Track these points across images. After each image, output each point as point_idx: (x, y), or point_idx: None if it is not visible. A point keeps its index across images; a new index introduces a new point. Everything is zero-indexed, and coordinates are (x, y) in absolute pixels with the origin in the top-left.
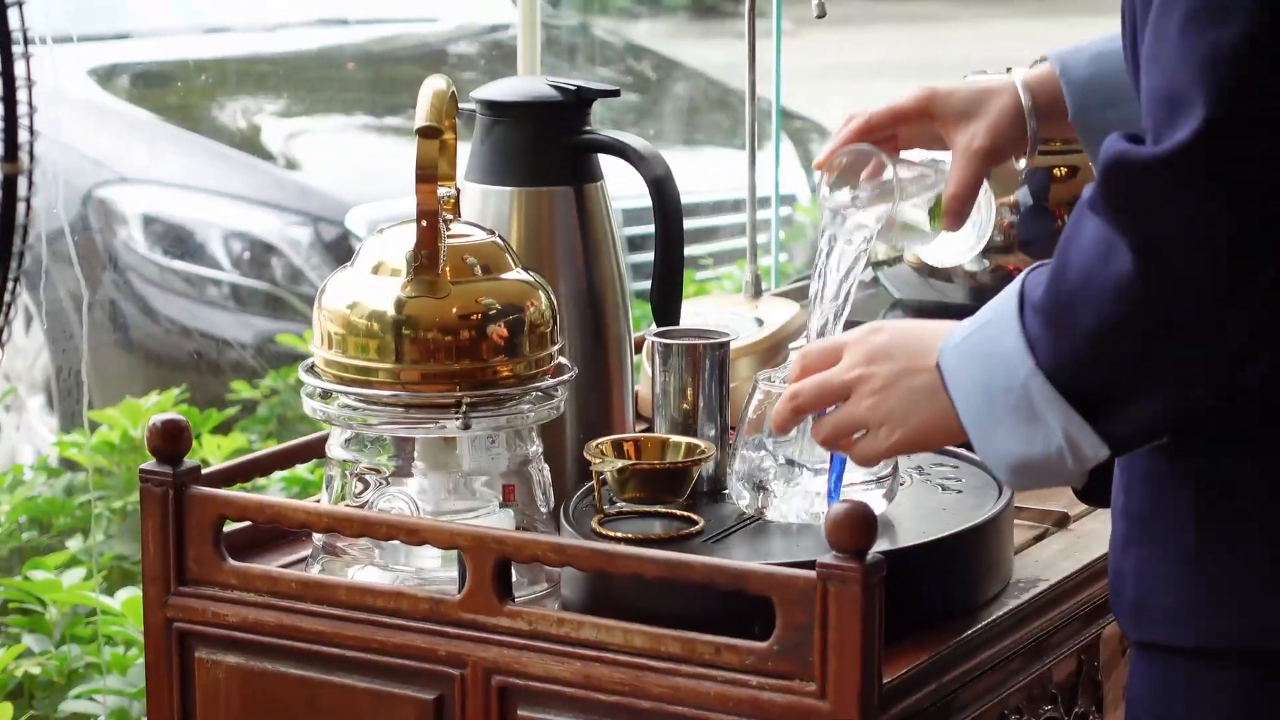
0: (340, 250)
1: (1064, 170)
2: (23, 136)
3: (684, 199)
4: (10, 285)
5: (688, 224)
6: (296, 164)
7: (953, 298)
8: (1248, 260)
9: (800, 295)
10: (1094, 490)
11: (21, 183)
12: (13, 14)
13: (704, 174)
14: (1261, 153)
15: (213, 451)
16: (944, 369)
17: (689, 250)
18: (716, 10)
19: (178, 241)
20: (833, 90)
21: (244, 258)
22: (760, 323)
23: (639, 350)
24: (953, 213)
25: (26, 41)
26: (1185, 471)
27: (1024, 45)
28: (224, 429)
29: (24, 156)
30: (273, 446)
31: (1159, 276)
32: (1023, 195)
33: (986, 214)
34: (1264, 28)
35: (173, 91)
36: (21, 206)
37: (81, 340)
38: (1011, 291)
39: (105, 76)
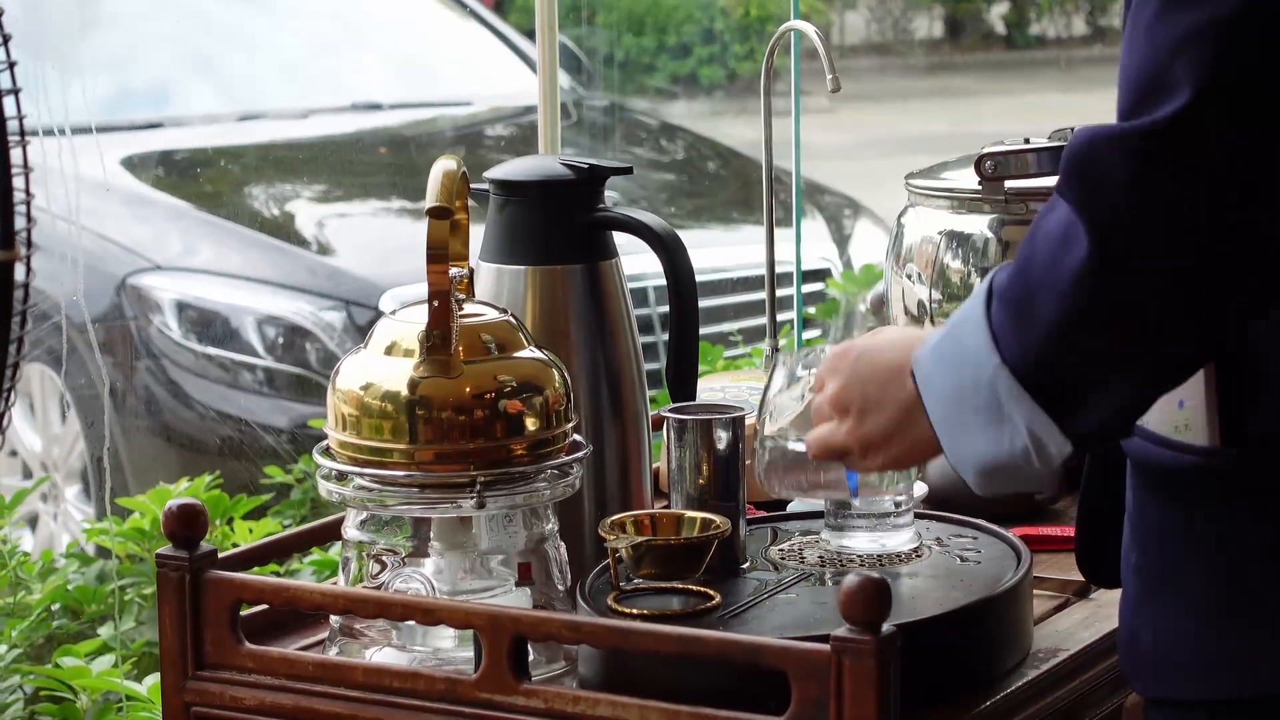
0: None
1: None
2: (19, 223)
3: (717, 275)
4: (8, 371)
5: (720, 301)
6: (330, 248)
7: None
8: (1218, 243)
9: None
10: (1102, 570)
11: (19, 269)
12: (9, 102)
13: (740, 251)
14: (1237, 136)
15: (244, 537)
16: (918, 379)
17: (719, 327)
18: (753, 89)
19: (211, 328)
20: (868, 166)
21: (278, 342)
22: None
23: (658, 428)
24: None
25: (23, 130)
26: (1203, 527)
27: (1051, 118)
28: (258, 514)
29: (19, 244)
30: (289, 530)
31: (1117, 260)
32: None
33: None
34: (1240, 6)
35: (206, 179)
36: (19, 293)
37: (104, 427)
38: (981, 288)
39: (139, 165)
